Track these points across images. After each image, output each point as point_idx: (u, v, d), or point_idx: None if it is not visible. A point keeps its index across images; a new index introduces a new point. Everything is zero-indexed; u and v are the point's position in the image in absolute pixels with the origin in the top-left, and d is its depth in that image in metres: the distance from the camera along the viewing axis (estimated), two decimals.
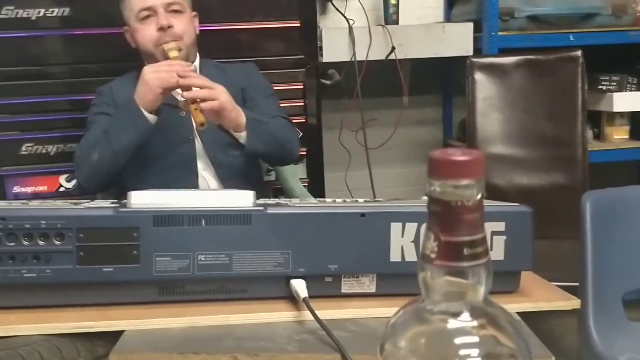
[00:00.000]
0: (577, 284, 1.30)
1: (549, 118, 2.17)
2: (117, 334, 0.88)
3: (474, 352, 0.36)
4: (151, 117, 1.50)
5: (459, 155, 0.34)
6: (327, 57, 2.25)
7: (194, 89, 1.47)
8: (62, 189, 2.00)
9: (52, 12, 1.92)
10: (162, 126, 1.56)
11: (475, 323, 0.36)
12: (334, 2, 2.42)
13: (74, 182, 1.99)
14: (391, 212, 0.94)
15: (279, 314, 0.93)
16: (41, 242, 0.88)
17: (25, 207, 0.94)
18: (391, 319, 0.39)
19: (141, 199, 0.92)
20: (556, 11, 2.32)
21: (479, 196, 0.34)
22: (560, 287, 1.04)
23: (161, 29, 1.59)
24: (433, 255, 0.36)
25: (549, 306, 0.98)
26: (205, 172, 1.65)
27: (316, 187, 2.06)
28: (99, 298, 0.92)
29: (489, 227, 0.95)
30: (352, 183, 2.52)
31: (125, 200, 0.93)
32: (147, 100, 1.49)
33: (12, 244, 0.87)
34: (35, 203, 1.00)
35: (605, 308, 1.30)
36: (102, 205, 0.96)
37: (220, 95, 1.46)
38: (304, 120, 2.07)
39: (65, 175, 1.99)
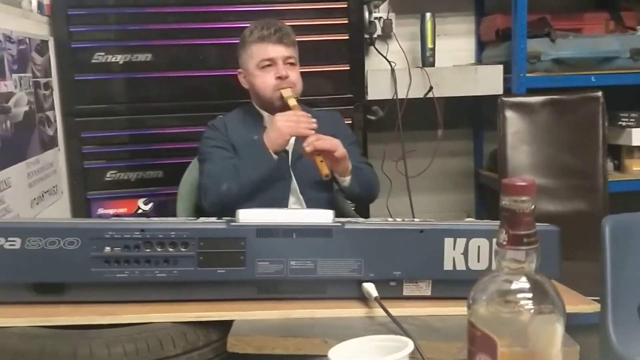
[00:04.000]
0: (598, 298, 1.48)
1: (572, 151, 2.34)
2: (226, 323, 1.07)
3: (529, 303, 0.59)
4: (276, 157, 1.74)
5: (520, 181, 0.57)
6: (371, 96, 2.48)
7: (320, 140, 1.69)
8: (140, 211, 2.24)
9: (137, 57, 2.18)
10: None
11: (529, 285, 0.59)
12: (376, 45, 2.66)
13: (150, 204, 2.22)
14: (445, 229, 1.13)
15: (353, 310, 1.11)
16: (170, 249, 1.09)
17: (156, 222, 1.16)
18: (477, 283, 0.62)
19: (247, 216, 1.13)
20: (579, 54, 2.50)
21: (533, 207, 0.58)
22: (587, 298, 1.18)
23: (279, 77, 1.84)
24: (504, 243, 0.59)
25: (574, 309, 1.13)
26: (295, 206, 1.86)
27: (362, 211, 2.25)
28: (213, 294, 1.12)
29: None
30: (393, 208, 2.71)
31: (233, 217, 1.15)
32: (277, 144, 1.74)
33: (148, 250, 1.08)
34: (157, 219, 1.22)
35: (623, 316, 1.47)
36: (216, 220, 1.17)
37: (339, 147, 1.71)
38: None
39: (143, 199, 2.23)
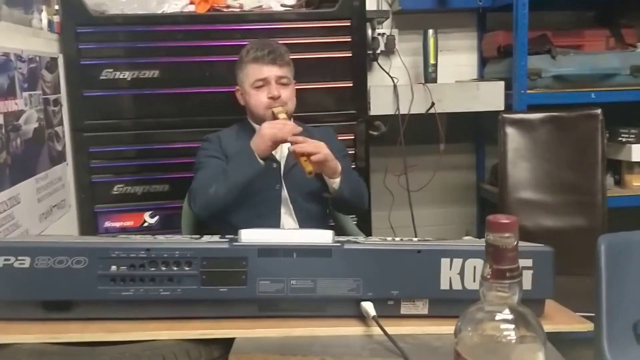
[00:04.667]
0: (593, 314, 1.49)
1: (572, 168, 2.36)
2: (228, 341, 1.09)
3: (512, 333, 0.62)
4: (261, 162, 1.80)
5: (503, 219, 0.61)
6: (374, 111, 2.52)
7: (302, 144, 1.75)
8: (146, 224, 2.27)
9: (144, 74, 2.23)
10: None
11: (512, 317, 0.63)
12: (379, 61, 2.70)
13: (156, 218, 2.26)
14: (442, 250, 1.15)
15: (352, 329, 1.13)
16: (174, 268, 1.11)
17: (161, 241, 1.19)
18: (463, 314, 0.65)
19: (249, 236, 1.16)
20: (579, 71, 2.53)
21: (515, 243, 0.61)
22: (580, 316, 1.20)
23: (272, 97, 1.91)
24: (488, 276, 0.62)
25: (568, 328, 1.16)
26: (285, 215, 1.92)
27: (363, 225, 2.28)
28: (215, 312, 1.14)
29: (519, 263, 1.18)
30: (395, 221, 2.75)
31: (235, 236, 1.18)
32: (260, 149, 1.79)
33: (153, 269, 1.11)
34: (162, 238, 1.25)
35: (618, 334, 1.48)
36: (219, 240, 1.19)
37: (322, 149, 1.76)
38: (354, 166, 2.30)
39: (149, 212, 2.27)
